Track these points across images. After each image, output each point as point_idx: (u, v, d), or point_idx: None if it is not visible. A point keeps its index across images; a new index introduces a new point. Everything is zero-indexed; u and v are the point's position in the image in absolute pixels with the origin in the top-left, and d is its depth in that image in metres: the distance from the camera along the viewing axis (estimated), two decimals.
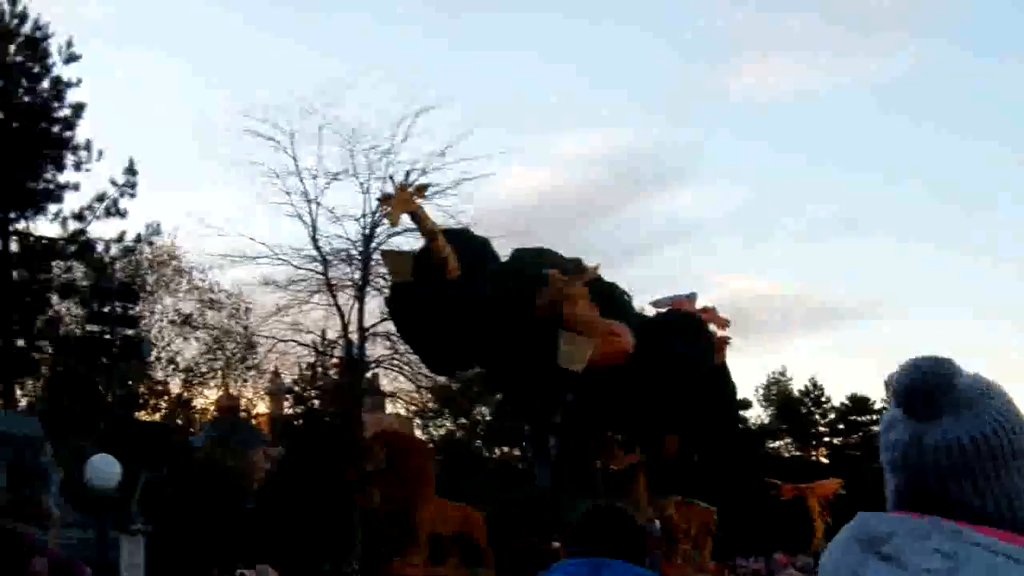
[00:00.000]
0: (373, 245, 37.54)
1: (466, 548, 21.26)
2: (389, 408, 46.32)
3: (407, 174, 21.55)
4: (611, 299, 23.72)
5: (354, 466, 23.72)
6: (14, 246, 32.64)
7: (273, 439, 44.78)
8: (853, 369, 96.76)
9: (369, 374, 40.47)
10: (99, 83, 68.13)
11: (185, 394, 44.30)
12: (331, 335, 39.92)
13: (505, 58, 79.03)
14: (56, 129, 32.61)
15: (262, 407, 49.54)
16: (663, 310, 26.05)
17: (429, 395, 43.92)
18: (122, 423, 28.71)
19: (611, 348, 21.85)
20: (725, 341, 26.43)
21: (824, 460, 60.17)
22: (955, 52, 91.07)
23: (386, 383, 42.26)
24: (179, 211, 64.16)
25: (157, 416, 41.76)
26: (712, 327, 26.04)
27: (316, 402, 42.93)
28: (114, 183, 32.96)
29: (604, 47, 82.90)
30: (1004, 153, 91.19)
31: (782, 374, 65.09)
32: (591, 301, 21.80)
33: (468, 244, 22.37)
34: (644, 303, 27.61)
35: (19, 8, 32.61)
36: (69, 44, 32.80)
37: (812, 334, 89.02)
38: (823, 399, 63.82)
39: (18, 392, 34.84)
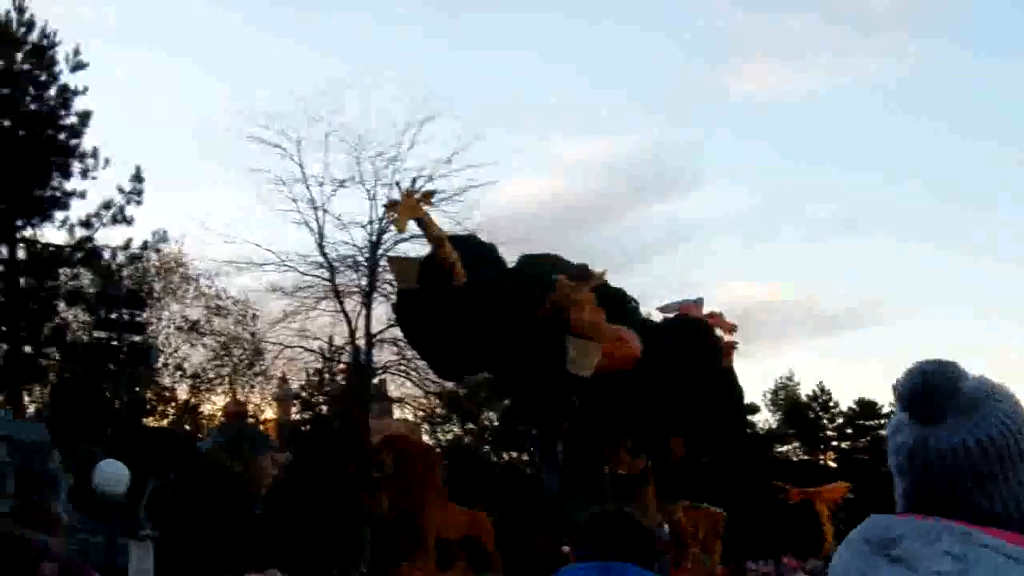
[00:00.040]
0: (380, 252, 37.64)
1: (474, 553, 21.26)
2: (397, 413, 46.32)
3: (413, 181, 21.57)
4: (618, 305, 23.73)
5: (354, 465, 23.71)
6: (21, 253, 32.66)
7: (281, 445, 44.80)
8: (861, 373, 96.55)
9: (376, 380, 40.52)
10: (99, 82, 68.17)
11: (192, 400, 44.41)
12: (338, 341, 40.04)
13: (506, 62, 79.05)
14: (63, 137, 32.64)
15: (270, 413, 49.61)
16: (670, 315, 26.06)
17: (437, 400, 43.97)
18: (129, 429, 28.71)
19: (619, 353, 21.86)
20: (732, 346, 26.44)
21: (832, 464, 60.08)
22: (955, 52, 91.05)
23: (393, 389, 42.36)
24: (184, 217, 63.93)
25: (165, 422, 41.82)
26: (719, 332, 26.05)
27: (324, 408, 42.96)
28: (121, 190, 32.99)
29: (604, 50, 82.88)
30: (1006, 153, 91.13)
31: (790, 379, 65.15)
32: (598, 307, 21.81)
33: (475, 250, 22.40)
34: (650, 309, 27.63)
35: (26, 16, 32.69)
36: (76, 52, 32.86)
37: (819, 338, 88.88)
38: (831, 403, 63.77)
39: (26, 399, 34.88)
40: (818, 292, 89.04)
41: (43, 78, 32.79)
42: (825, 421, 63.82)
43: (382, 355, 39.70)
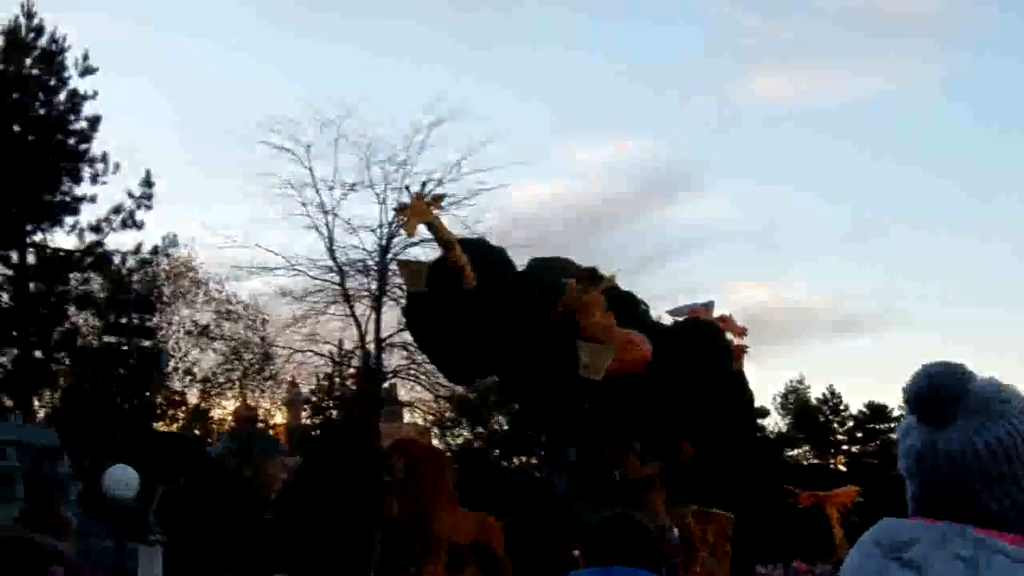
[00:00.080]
0: (390, 256, 37.66)
1: (483, 557, 21.24)
2: (406, 418, 46.35)
3: (423, 185, 21.52)
4: (628, 308, 23.69)
5: (362, 469, 23.73)
6: (31, 258, 32.76)
7: (291, 449, 44.82)
8: (871, 377, 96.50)
9: (386, 384, 40.53)
10: (109, 87, 68.24)
11: (202, 405, 44.42)
12: (348, 345, 40.03)
13: (517, 67, 79.04)
14: (72, 142, 32.74)
15: (279, 417, 49.64)
16: (680, 319, 26.02)
17: (446, 404, 43.99)
18: (139, 434, 28.76)
19: (629, 357, 21.82)
20: (742, 349, 26.39)
21: (842, 468, 60.01)
22: (971, 60, 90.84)
23: (403, 393, 42.37)
24: (195, 221, 64.07)
25: (174, 427, 41.84)
26: (729, 335, 26.01)
27: (334, 412, 42.98)
28: (131, 195, 33.10)
29: (617, 54, 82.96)
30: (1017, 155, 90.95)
31: (800, 382, 65.09)
32: (607, 310, 21.78)
33: (485, 253, 22.37)
34: (661, 312, 27.60)
35: (35, 22, 32.82)
36: (85, 57, 32.99)
37: (830, 342, 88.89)
38: (841, 407, 63.71)
39: (36, 403, 34.95)
40: (829, 296, 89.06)
41: (52, 83, 32.91)
42: (835, 425, 63.75)
43: (392, 359, 39.74)
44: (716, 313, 26.44)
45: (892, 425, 57.49)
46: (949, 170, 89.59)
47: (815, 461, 61.84)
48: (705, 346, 24.42)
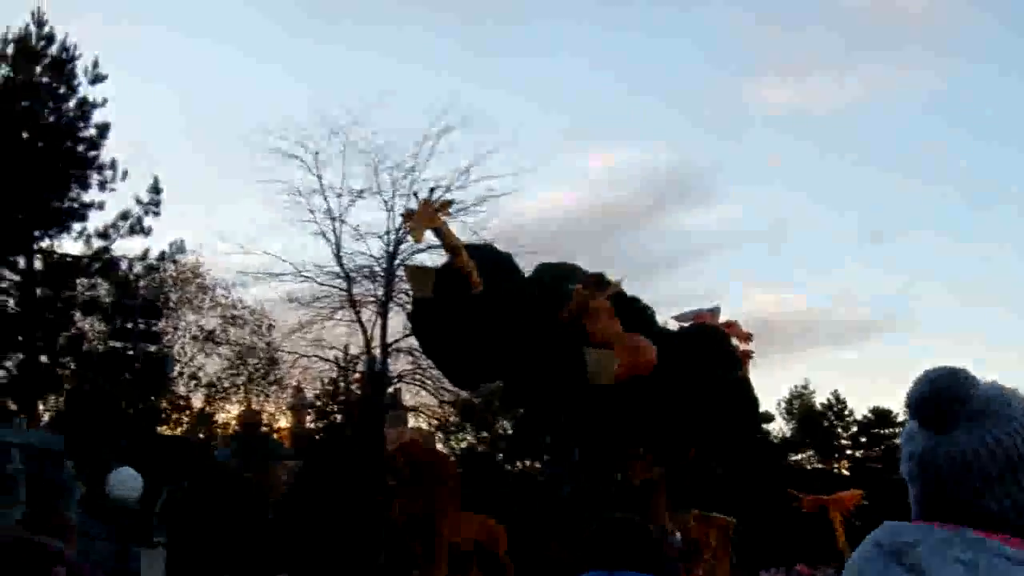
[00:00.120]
0: (397, 262, 37.62)
1: (487, 560, 21.24)
2: (412, 422, 46.33)
3: (431, 191, 21.54)
4: (633, 313, 23.68)
5: (366, 472, 23.73)
6: (38, 264, 32.81)
7: (296, 454, 44.84)
8: (875, 382, 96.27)
9: (391, 389, 40.51)
10: (118, 94, 68.21)
11: (207, 409, 44.46)
12: (353, 350, 40.07)
13: (527, 74, 79.01)
14: (81, 149, 32.82)
15: (284, 422, 49.65)
16: (686, 324, 26.01)
17: (451, 409, 43.97)
18: (144, 438, 28.79)
19: (634, 362, 21.81)
20: (748, 355, 26.38)
21: (846, 473, 59.95)
22: (981, 68, 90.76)
23: (408, 398, 42.31)
24: (202, 227, 64.05)
25: (179, 431, 41.88)
26: (735, 341, 26.00)
27: (339, 417, 43.01)
28: (139, 201, 33.16)
29: (628, 61, 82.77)
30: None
31: (805, 387, 65.04)
32: (614, 316, 21.78)
33: (491, 259, 22.37)
34: (667, 317, 27.59)
35: (46, 30, 32.90)
36: (95, 64, 33.07)
37: (834, 347, 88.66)
38: (846, 412, 63.68)
39: (41, 408, 35.00)
40: (834, 302, 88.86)
41: (62, 91, 33.00)
42: (840, 430, 63.71)
43: (397, 364, 39.72)
44: (722, 318, 26.45)
45: (896, 430, 57.44)
46: (957, 175, 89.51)
47: (819, 466, 61.78)
48: (711, 351, 24.41)
